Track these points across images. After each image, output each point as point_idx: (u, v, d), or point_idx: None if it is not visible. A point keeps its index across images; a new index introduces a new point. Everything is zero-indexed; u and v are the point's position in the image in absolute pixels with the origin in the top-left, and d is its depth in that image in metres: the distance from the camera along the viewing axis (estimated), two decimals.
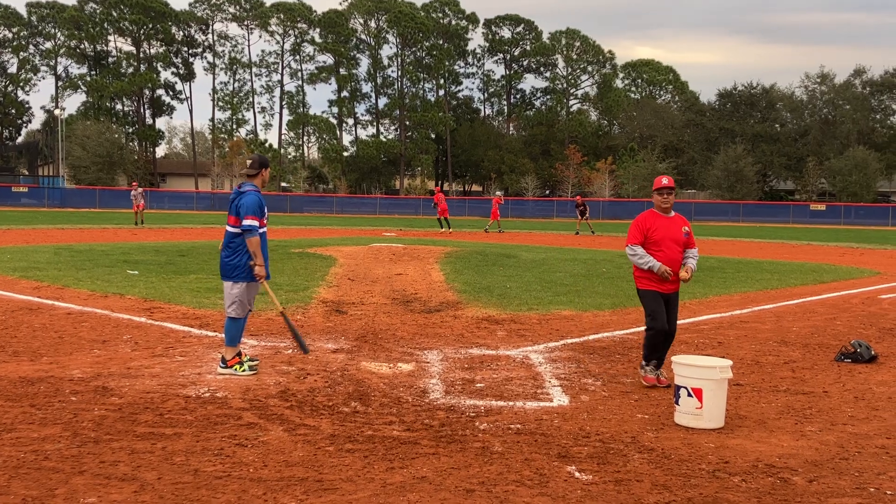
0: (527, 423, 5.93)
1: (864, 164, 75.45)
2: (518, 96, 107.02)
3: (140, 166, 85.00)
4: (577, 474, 4.86)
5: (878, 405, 6.74)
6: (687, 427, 5.94)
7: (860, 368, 8.20)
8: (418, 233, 36.48)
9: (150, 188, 76.82)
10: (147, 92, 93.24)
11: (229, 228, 7.39)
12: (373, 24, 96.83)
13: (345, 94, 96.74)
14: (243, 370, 7.27)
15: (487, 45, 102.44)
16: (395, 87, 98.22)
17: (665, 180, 7.31)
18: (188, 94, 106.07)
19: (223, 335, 7.60)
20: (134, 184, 38.24)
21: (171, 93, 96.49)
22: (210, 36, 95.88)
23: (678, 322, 10.74)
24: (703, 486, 4.71)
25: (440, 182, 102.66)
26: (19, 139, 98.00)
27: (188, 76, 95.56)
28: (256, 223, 7.25)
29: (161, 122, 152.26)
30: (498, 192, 48.57)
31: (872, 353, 8.52)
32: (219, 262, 7.60)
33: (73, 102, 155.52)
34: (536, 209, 71.77)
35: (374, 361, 7.98)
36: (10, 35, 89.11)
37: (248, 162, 7.63)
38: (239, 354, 7.39)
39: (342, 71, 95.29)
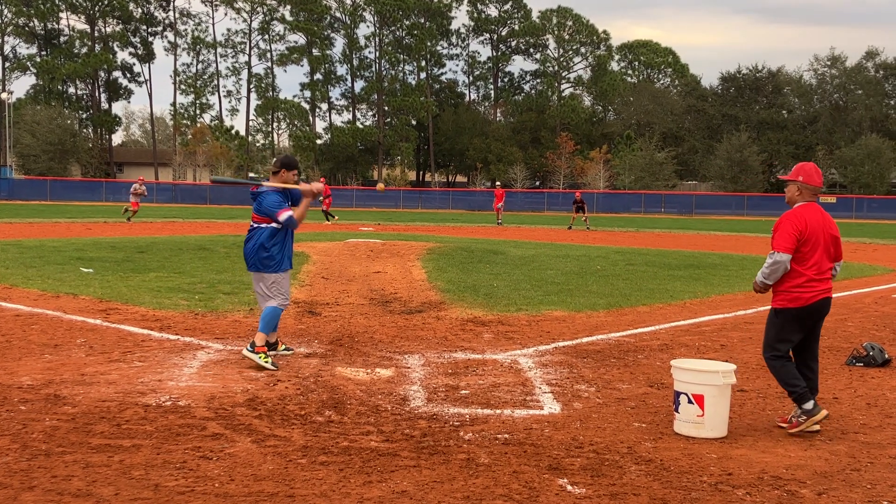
0: (515, 433, 5.94)
1: (877, 153, 76.13)
2: (506, 80, 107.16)
3: (95, 155, 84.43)
4: (569, 487, 4.88)
5: (892, 412, 6.80)
6: (687, 436, 5.97)
7: (873, 373, 8.27)
8: (398, 227, 36.48)
9: (105, 179, 76.38)
10: (102, 74, 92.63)
11: (255, 224, 8.09)
12: (348, 1, 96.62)
13: (318, 76, 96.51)
14: (266, 361, 7.73)
15: (472, 24, 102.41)
16: (373, 69, 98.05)
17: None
18: (147, 77, 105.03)
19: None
20: (140, 178, 37.85)
21: (128, 75, 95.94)
22: (171, 13, 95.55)
23: (678, 324, 10.87)
24: (705, 500, 4.74)
25: (420, 172, 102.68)
26: None
27: (147, 57, 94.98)
28: (289, 212, 7.92)
29: (118, 107, 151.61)
30: (497, 183, 49.86)
31: (886, 356, 8.59)
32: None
33: (22, 85, 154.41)
34: (526, 202, 71.84)
35: (351, 367, 7.97)
36: None
37: (273, 160, 8.40)
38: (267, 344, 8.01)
39: (315, 52, 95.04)
